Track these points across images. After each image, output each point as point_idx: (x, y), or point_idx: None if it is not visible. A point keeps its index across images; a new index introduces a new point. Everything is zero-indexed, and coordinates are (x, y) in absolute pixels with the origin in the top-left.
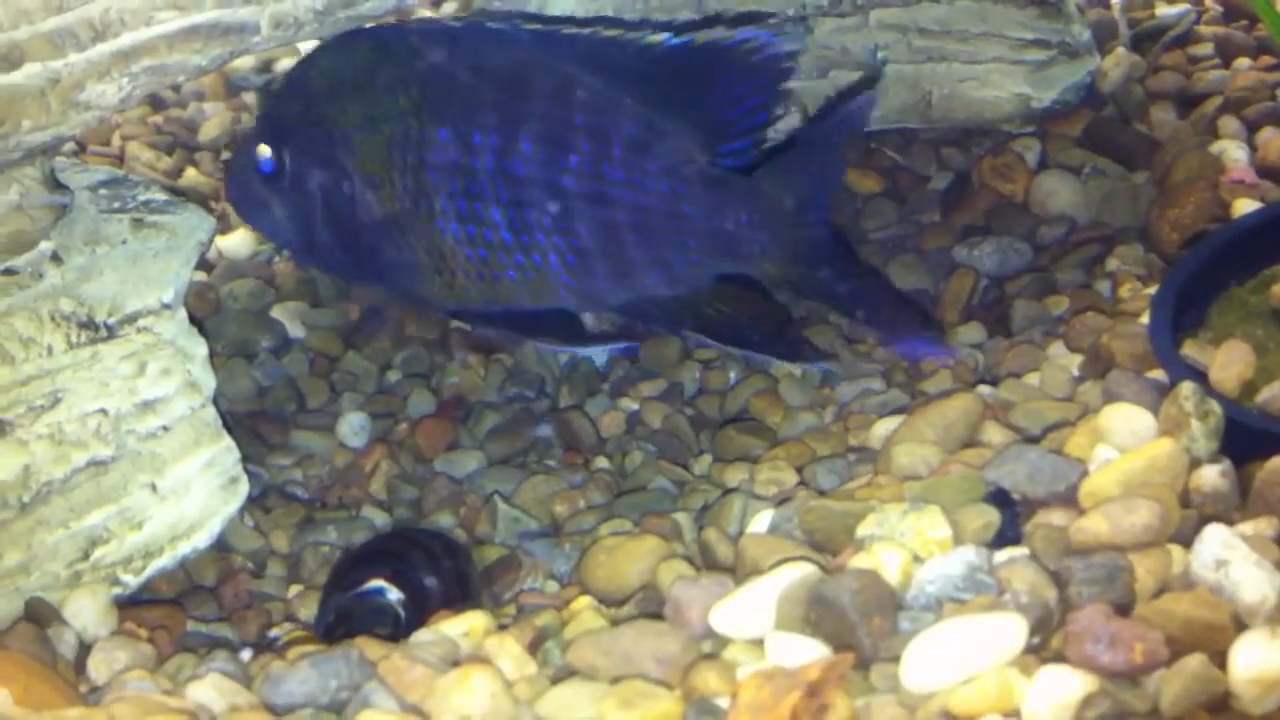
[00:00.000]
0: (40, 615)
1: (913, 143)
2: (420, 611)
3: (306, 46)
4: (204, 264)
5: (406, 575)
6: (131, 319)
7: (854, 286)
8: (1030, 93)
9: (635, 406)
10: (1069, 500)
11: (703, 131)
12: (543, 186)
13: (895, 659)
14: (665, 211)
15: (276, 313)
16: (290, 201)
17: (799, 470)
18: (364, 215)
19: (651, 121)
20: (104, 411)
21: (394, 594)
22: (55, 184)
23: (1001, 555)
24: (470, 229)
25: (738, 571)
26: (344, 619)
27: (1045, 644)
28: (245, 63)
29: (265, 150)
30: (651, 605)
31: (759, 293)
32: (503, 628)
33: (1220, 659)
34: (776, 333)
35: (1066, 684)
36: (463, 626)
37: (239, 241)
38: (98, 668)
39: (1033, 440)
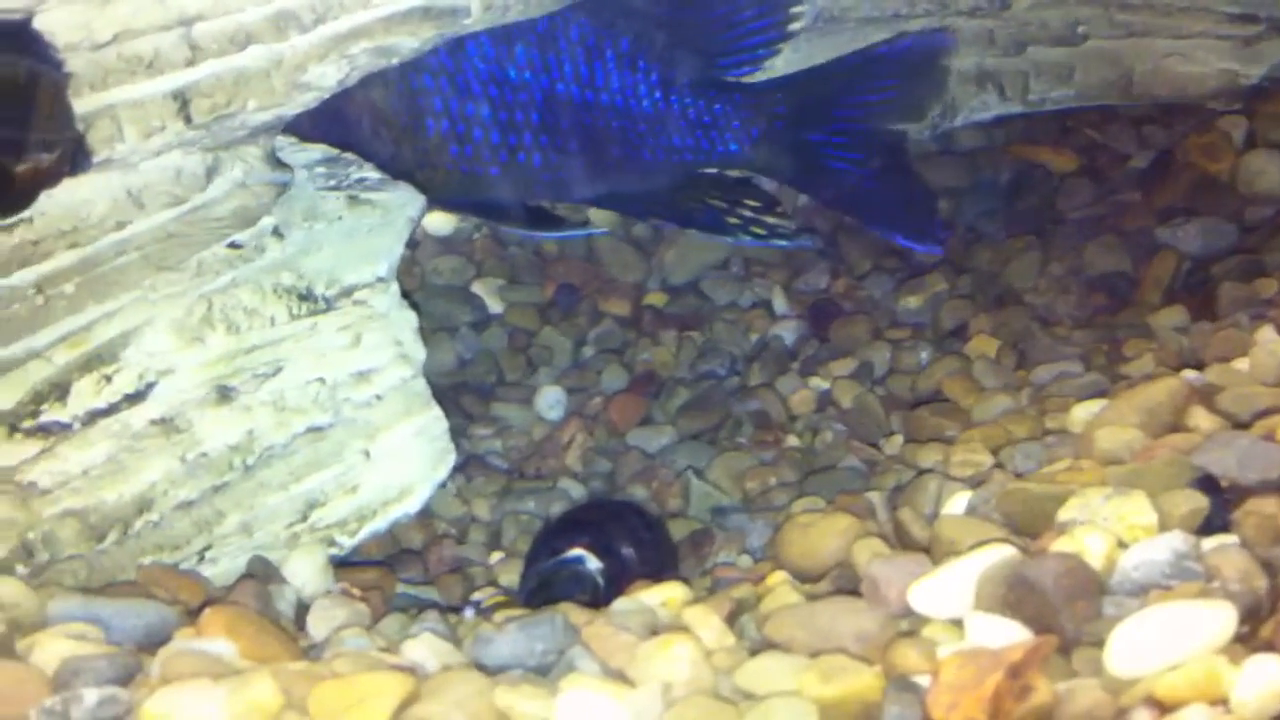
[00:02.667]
0: (261, 573)
1: (1112, 120)
2: (618, 581)
3: None
4: (409, 241)
5: (605, 545)
6: (348, 292)
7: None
8: (1237, 68)
9: (826, 385)
10: None
11: (702, 47)
12: (536, 97)
13: (1098, 644)
14: (653, 115)
15: (476, 288)
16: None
17: (994, 453)
18: (392, 130)
19: (644, 31)
20: (322, 380)
21: (593, 563)
22: (276, 162)
23: (1209, 542)
24: (460, 129)
25: (934, 552)
26: (545, 586)
27: (1254, 633)
28: None
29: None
30: (846, 583)
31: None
32: (698, 600)
33: None
34: (757, 218)
35: (1276, 673)
36: (661, 596)
37: (441, 220)
38: (316, 625)
39: (1241, 426)
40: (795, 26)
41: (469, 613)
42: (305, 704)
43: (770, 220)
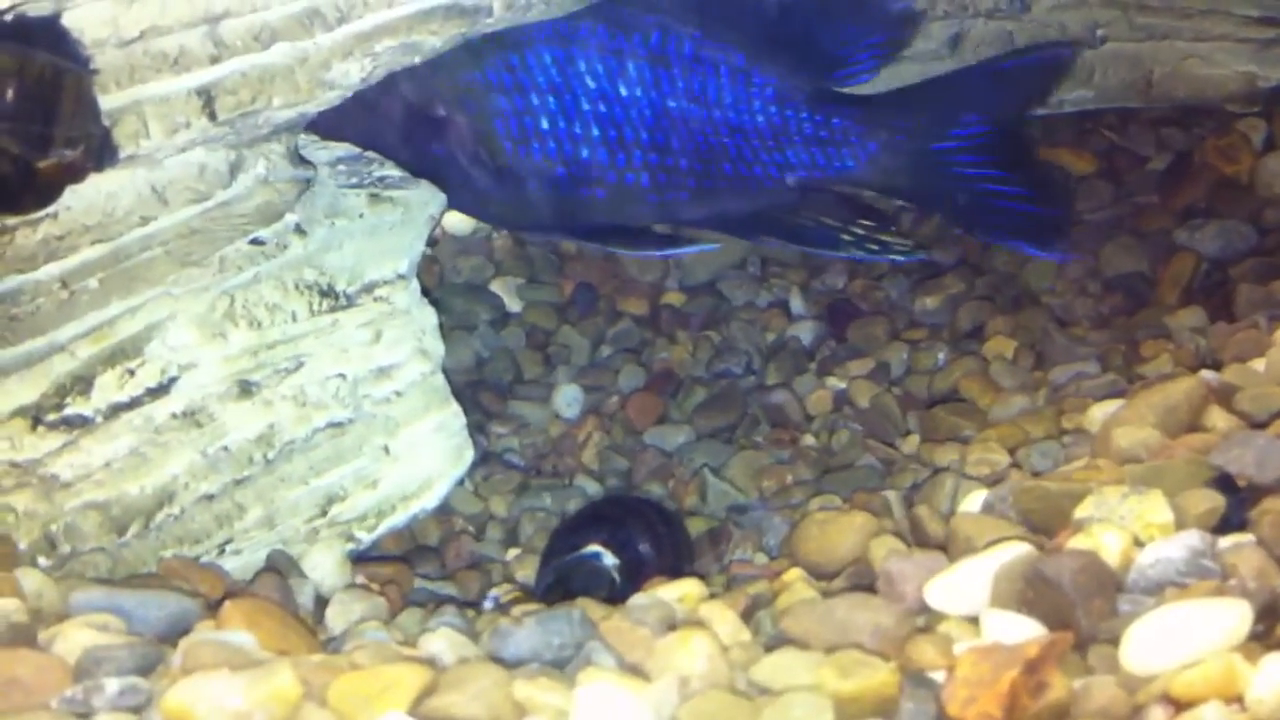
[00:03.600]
0: (281, 567)
1: (1130, 122)
2: (635, 577)
3: None
4: (429, 240)
5: (623, 541)
6: (369, 288)
7: (964, 207)
8: (1257, 71)
9: (843, 385)
10: None
11: (815, 58)
12: (645, 114)
13: (1114, 641)
14: (769, 131)
15: (495, 287)
16: (410, 136)
17: (1011, 452)
18: (464, 145)
19: (758, 44)
20: (342, 376)
21: (610, 559)
22: (299, 159)
23: (1226, 541)
24: (567, 150)
25: (950, 549)
26: (562, 581)
27: (1271, 631)
28: None
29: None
30: (862, 580)
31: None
32: (715, 596)
33: None
34: (870, 233)
35: None
36: (677, 592)
37: (460, 218)
38: (335, 618)
39: (1259, 426)
40: (907, 33)
41: (489, 604)
42: (324, 695)
43: (885, 238)
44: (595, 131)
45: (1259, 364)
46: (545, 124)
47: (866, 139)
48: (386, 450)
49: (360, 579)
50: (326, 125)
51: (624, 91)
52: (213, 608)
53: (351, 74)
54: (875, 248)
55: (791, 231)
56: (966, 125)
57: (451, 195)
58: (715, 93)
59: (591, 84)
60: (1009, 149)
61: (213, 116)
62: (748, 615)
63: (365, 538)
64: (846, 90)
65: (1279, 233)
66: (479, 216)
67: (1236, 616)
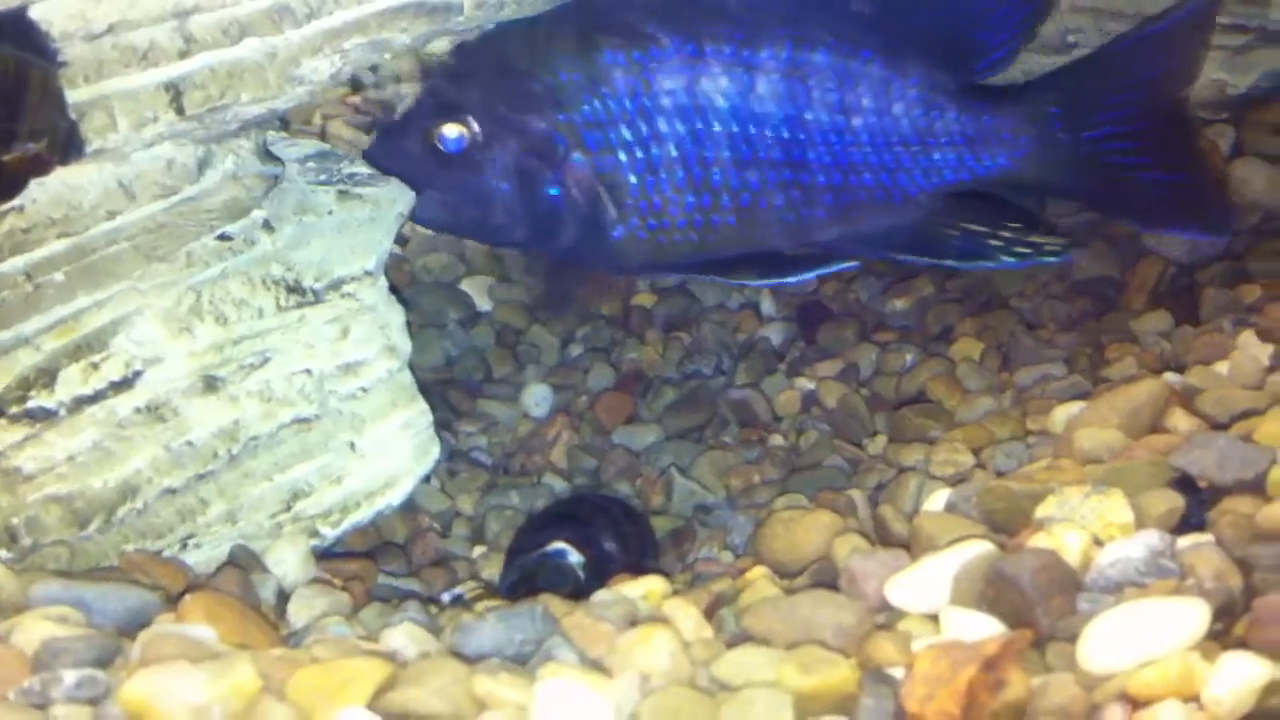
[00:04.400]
0: (244, 562)
1: None
2: (600, 574)
3: None
4: (399, 238)
5: (588, 539)
6: (337, 285)
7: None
8: (1226, 78)
9: (812, 386)
10: (1257, 488)
11: (955, 52)
12: (779, 126)
13: (1073, 639)
14: (914, 136)
15: (466, 286)
16: (477, 178)
17: (976, 452)
18: (570, 180)
19: (896, 43)
20: (309, 372)
21: (575, 556)
22: (267, 156)
23: (1185, 541)
24: (697, 177)
25: (913, 548)
26: (527, 579)
27: (1228, 630)
28: (439, 45)
29: (453, 128)
30: (825, 577)
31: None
32: (678, 593)
33: None
34: (1020, 238)
35: (1249, 670)
36: (641, 589)
37: None
38: (298, 613)
39: (1220, 428)
40: (1046, 10)
41: (447, 597)
42: (284, 688)
43: (1036, 239)
44: (726, 154)
45: (1222, 367)
46: (674, 151)
47: (1019, 133)
48: (352, 447)
49: (324, 575)
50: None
51: (756, 109)
52: (174, 601)
53: (321, 70)
54: (1027, 250)
55: (935, 246)
56: (1118, 107)
57: (563, 243)
58: (854, 99)
59: (722, 104)
60: (1164, 128)
61: (181, 111)
62: (711, 612)
63: (330, 534)
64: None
65: (1246, 238)
66: (595, 265)
67: (1195, 616)
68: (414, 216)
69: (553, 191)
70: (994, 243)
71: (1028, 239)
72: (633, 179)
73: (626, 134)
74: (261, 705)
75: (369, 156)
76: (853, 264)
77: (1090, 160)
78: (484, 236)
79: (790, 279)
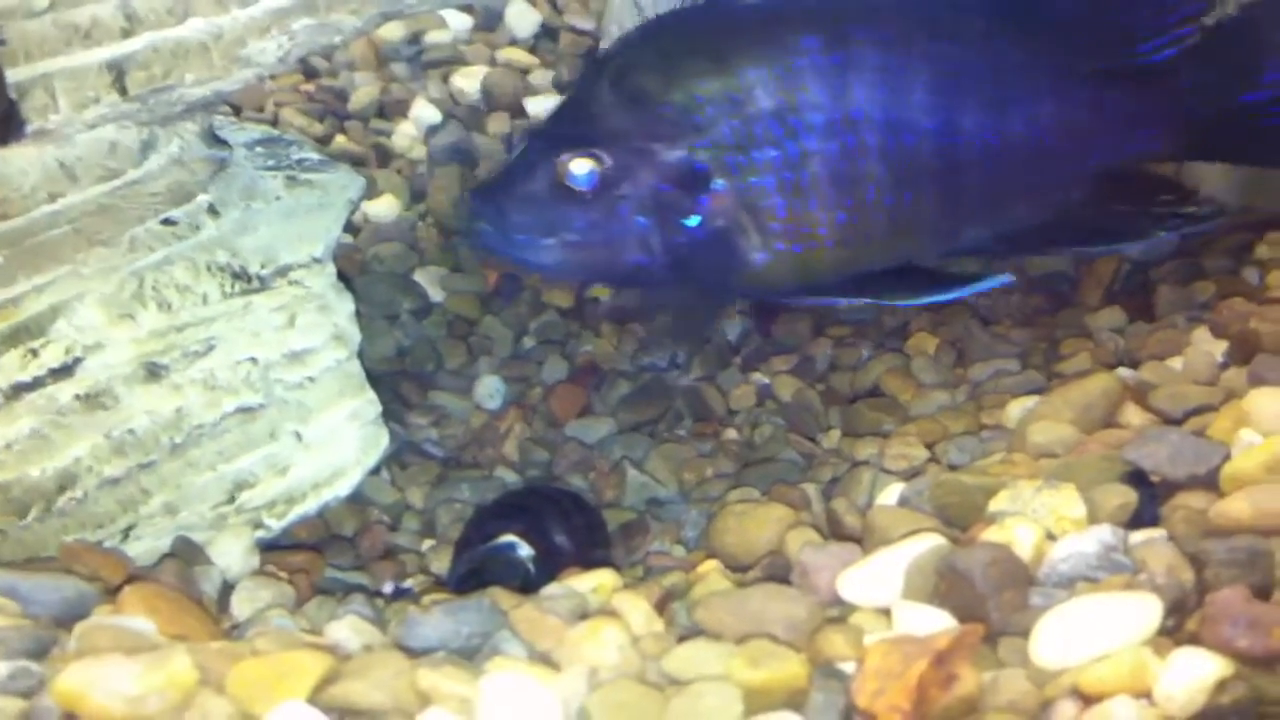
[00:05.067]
0: (186, 553)
1: None
2: (550, 568)
3: (453, 17)
4: (351, 227)
5: (539, 531)
6: (283, 272)
7: None
8: None
9: (766, 380)
10: (1210, 483)
11: (1107, 32)
12: (935, 132)
13: (1025, 634)
14: (1064, 124)
15: (419, 276)
16: (610, 217)
17: (930, 447)
18: (713, 209)
19: (1040, 30)
20: (254, 360)
21: (525, 549)
22: (214, 139)
23: (1138, 536)
24: (847, 194)
25: (866, 542)
26: (476, 572)
27: (1181, 626)
28: (395, 33)
29: (582, 164)
30: (778, 571)
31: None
32: (631, 587)
33: None
34: (1172, 208)
35: (1201, 666)
36: (592, 583)
37: (385, 206)
38: (240, 605)
39: (1174, 423)
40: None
41: (388, 588)
42: (223, 681)
43: (1188, 210)
44: (878, 165)
45: (1176, 362)
46: (823, 168)
47: (1171, 108)
48: (298, 437)
49: (269, 567)
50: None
51: (907, 114)
52: (112, 593)
53: (268, 52)
54: (1180, 222)
55: (1084, 233)
56: (1275, 68)
57: (703, 276)
58: (1004, 92)
59: (871, 113)
60: None
61: (124, 91)
62: (662, 606)
63: (274, 525)
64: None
65: (1200, 235)
66: (736, 296)
67: (1147, 611)
68: (537, 266)
69: (693, 222)
70: (1144, 220)
71: (1180, 211)
72: (779, 201)
73: (772, 154)
74: (199, 698)
75: (474, 210)
76: (1006, 278)
77: (1250, 123)
78: (617, 279)
79: (946, 296)
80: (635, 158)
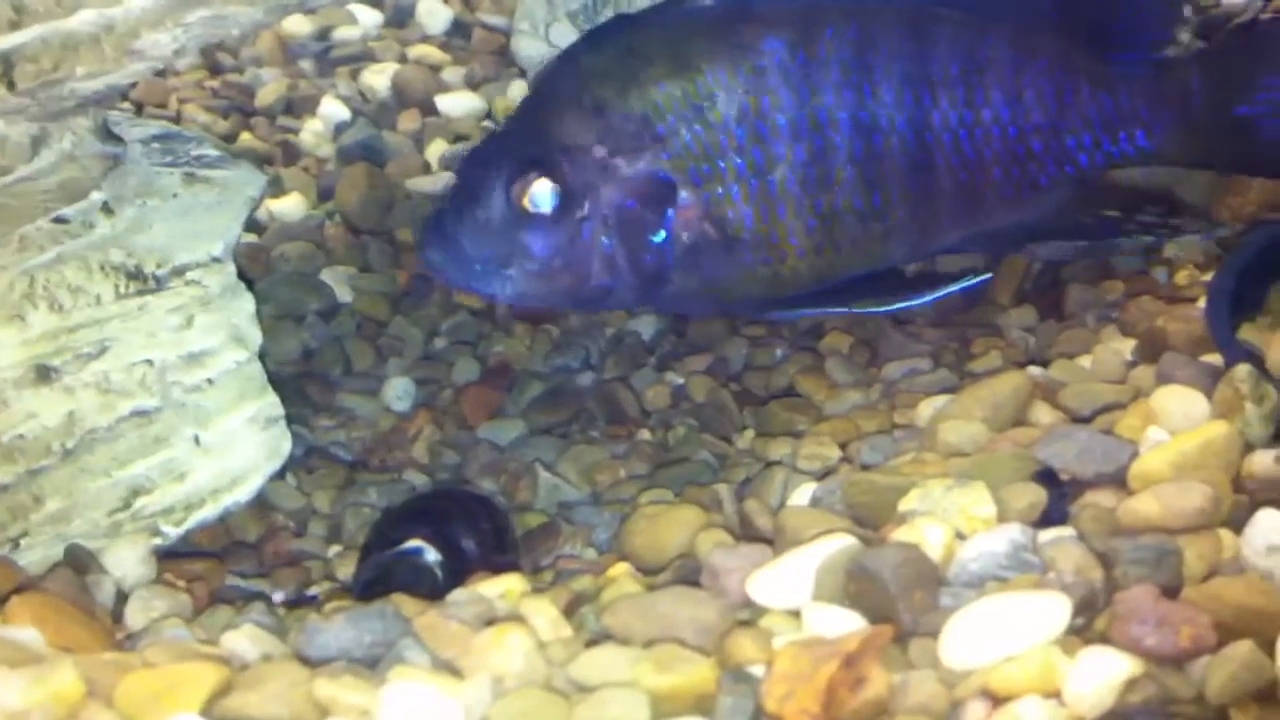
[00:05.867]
0: (80, 562)
1: None
2: (458, 573)
3: (363, 13)
4: (256, 226)
5: (446, 536)
6: (180, 271)
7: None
8: None
9: (680, 380)
10: (1118, 481)
11: (1087, 40)
12: (905, 134)
13: (935, 635)
14: (1045, 122)
15: (326, 276)
16: (573, 239)
17: (843, 446)
18: (679, 222)
19: (1026, 26)
20: (150, 362)
21: (432, 554)
22: (108, 135)
23: (1047, 534)
24: (817, 200)
25: (777, 543)
26: (382, 578)
27: (1090, 625)
28: (303, 28)
29: (542, 186)
30: (689, 574)
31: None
32: (540, 591)
33: (1269, 647)
34: (1160, 221)
35: (1110, 666)
36: (499, 588)
37: (291, 205)
38: (135, 615)
39: (1083, 421)
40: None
41: (278, 596)
42: (111, 694)
43: (1175, 222)
44: (848, 169)
45: (1085, 361)
46: (791, 174)
47: (1159, 111)
48: (197, 441)
49: (166, 575)
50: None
51: (878, 115)
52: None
53: (162, 44)
54: (1167, 232)
55: (1068, 231)
56: (1271, 85)
57: (673, 293)
58: (981, 90)
59: (840, 114)
60: None
61: (11, 85)
62: (570, 610)
63: (172, 532)
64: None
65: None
66: (708, 311)
67: (1055, 610)
68: (499, 297)
69: (659, 239)
70: (1131, 228)
71: (1168, 222)
72: (748, 210)
73: (737, 161)
74: (86, 711)
75: (427, 242)
76: (985, 277)
77: (1244, 133)
78: (585, 304)
79: (921, 299)
80: (597, 174)
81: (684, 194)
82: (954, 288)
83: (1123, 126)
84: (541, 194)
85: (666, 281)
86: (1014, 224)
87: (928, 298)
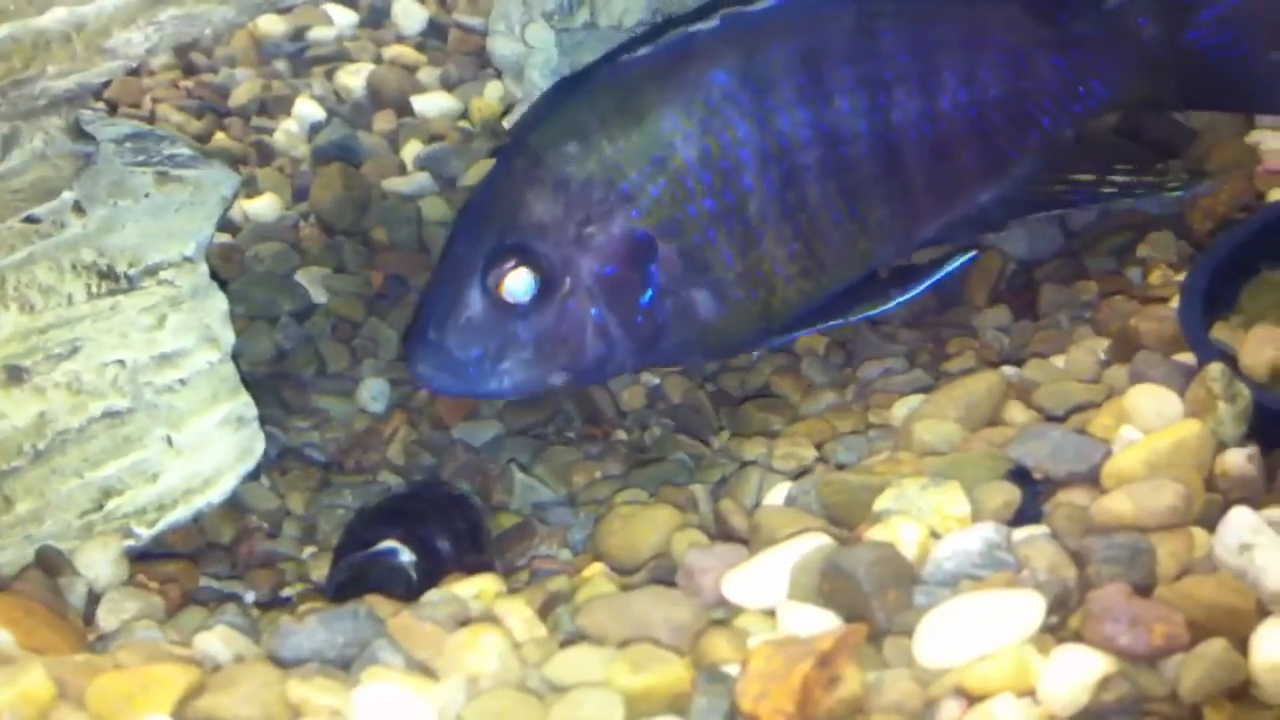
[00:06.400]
0: (51, 564)
1: None
2: (433, 573)
3: (338, 13)
4: (230, 226)
5: (420, 537)
6: (152, 271)
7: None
8: None
9: (656, 381)
10: (1092, 480)
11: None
12: (870, 138)
13: (909, 633)
14: (1004, 95)
15: (300, 277)
16: (560, 321)
17: (818, 446)
18: (661, 277)
19: (965, 12)
20: (122, 363)
21: (406, 555)
22: (80, 134)
23: (1021, 533)
24: (795, 223)
25: (752, 543)
26: (356, 579)
27: (1064, 624)
28: (277, 28)
29: (519, 276)
30: (664, 574)
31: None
32: (515, 592)
33: (1242, 645)
34: (1136, 179)
35: (1084, 664)
36: (474, 588)
37: (265, 205)
38: (106, 617)
39: (1056, 420)
40: None
41: (250, 598)
42: (83, 696)
43: (1150, 179)
44: (820, 186)
45: (1059, 360)
46: (765, 204)
47: (1116, 58)
48: (169, 442)
49: (138, 577)
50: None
51: (840, 125)
52: None
53: (134, 43)
54: (1145, 192)
55: (1045, 201)
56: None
57: (670, 348)
58: (935, 79)
59: (803, 133)
60: (1261, 7)
61: None
62: (545, 611)
63: (144, 534)
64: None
65: (1083, 236)
66: (709, 357)
67: (1030, 609)
68: (497, 394)
69: (646, 297)
70: (1107, 190)
71: (1143, 179)
72: (728, 250)
73: (709, 202)
74: (57, 713)
75: (413, 356)
76: (972, 255)
77: (1195, 64)
78: (584, 378)
79: (917, 290)
80: (571, 248)
81: (662, 247)
82: (947, 269)
83: (1080, 82)
84: (519, 283)
85: (663, 337)
86: (987, 204)
87: (923, 286)
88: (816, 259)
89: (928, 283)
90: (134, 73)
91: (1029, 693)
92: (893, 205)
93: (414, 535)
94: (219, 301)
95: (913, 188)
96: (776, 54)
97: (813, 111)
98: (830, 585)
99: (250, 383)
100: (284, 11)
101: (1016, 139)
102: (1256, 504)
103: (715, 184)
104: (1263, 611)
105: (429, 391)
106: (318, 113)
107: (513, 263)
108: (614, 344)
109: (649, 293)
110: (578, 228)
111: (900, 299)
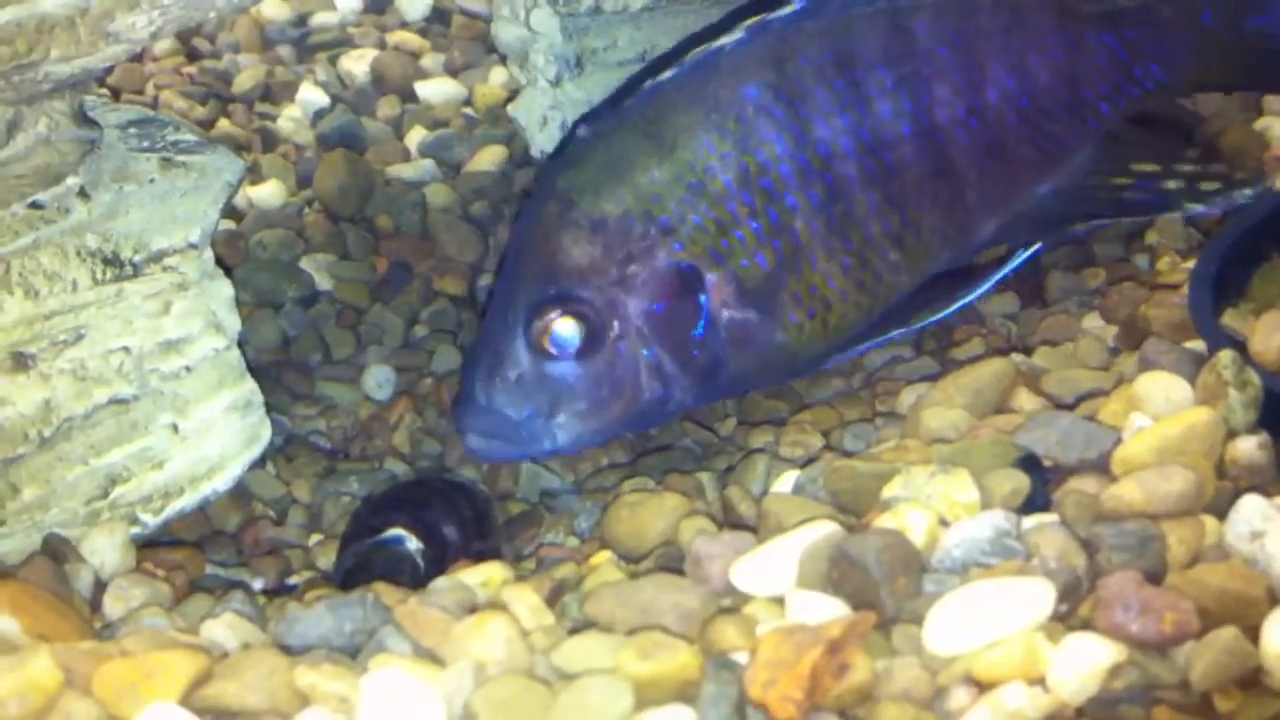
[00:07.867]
0: (57, 551)
1: None
2: (439, 561)
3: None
4: (234, 213)
5: (427, 524)
6: (157, 257)
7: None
8: None
9: None
10: (1101, 467)
11: None
12: (915, 140)
13: (918, 621)
14: (1058, 81)
15: (305, 264)
16: (611, 366)
17: (825, 434)
18: (717, 310)
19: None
20: (127, 349)
21: (413, 543)
22: (84, 119)
23: (1030, 521)
24: (845, 236)
25: (760, 530)
26: (362, 567)
27: (1073, 611)
28: (280, 14)
29: (565, 324)
30: (671, 561)
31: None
32: (522, 579)
33: (1253, 633)
34: (1201, 171)
35: (1094, 652)
36: (480, 576)
37: (270, 192)
38: (113, 604)
39: (1065, 407)
40: None
41: (257, 585)
42: (89, 683)
43: (1218, 169)
44: (869, 196)
45: (1068, 348)
46: (812, 221)
47: (1176, 41)
48: (175, 429)
49: (145, 565)
50: None
51: (884, 132)
52: None
53: (138, 27)
54: (1214, 187)
55: (1106, 204)
56: None
57: (729, 379)
58: (979, 71)
59: (845, 145)
60: None
61: None
62: (552, 598)
63: (151, 521)
64: None
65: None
66: (768, 383)
67: (1039, 597)
68: (556, 451)
69: (699, 330)
70: (1172, 184)
71: (1209, 170)
72: (779, 271)
73: (754, 225)
74: (63, 700)
75: (465, 428)
76: (1037, 248)
77: (1263, 46)
78: (645, 422)
79: (980, 289)
80: (615, 289)
81: (710, 276)
82: (1011, 265)
83: (1137, 63)
84: (564, 333)
85: (721, 368)
86: (1046, 199)
87: (987, 285)
88: (871, 271)
89: (992, 280)
90: (137, 59)
91: (1039, 681)
92: (946, 208)
93: (421, 522)
94: (224, 288)
95: (965, 188)
96: (808, 61)
97: (852, 118)
98: (839, 573)
99: (255, 369)
100: None
101: (1075, 127)
102: (1267, 491)
103: (758, 204)
104: (1274, 599)
105: (487, 463)
106: (321, 99)
107: (556, 313)
108: (671, 382)
109: (701, 325)
110: (619, 268)
111: (964, 300)
